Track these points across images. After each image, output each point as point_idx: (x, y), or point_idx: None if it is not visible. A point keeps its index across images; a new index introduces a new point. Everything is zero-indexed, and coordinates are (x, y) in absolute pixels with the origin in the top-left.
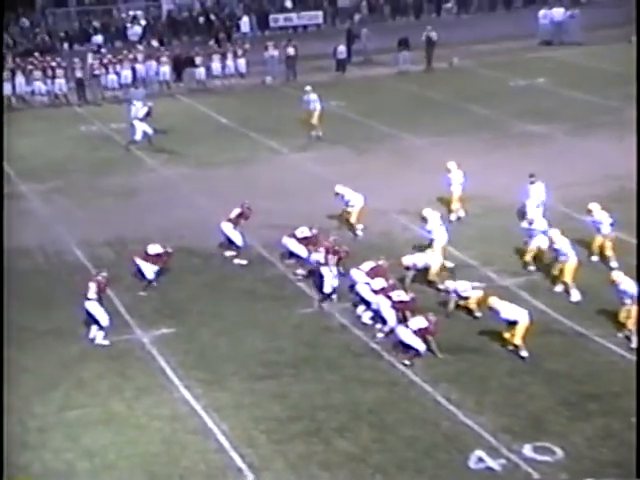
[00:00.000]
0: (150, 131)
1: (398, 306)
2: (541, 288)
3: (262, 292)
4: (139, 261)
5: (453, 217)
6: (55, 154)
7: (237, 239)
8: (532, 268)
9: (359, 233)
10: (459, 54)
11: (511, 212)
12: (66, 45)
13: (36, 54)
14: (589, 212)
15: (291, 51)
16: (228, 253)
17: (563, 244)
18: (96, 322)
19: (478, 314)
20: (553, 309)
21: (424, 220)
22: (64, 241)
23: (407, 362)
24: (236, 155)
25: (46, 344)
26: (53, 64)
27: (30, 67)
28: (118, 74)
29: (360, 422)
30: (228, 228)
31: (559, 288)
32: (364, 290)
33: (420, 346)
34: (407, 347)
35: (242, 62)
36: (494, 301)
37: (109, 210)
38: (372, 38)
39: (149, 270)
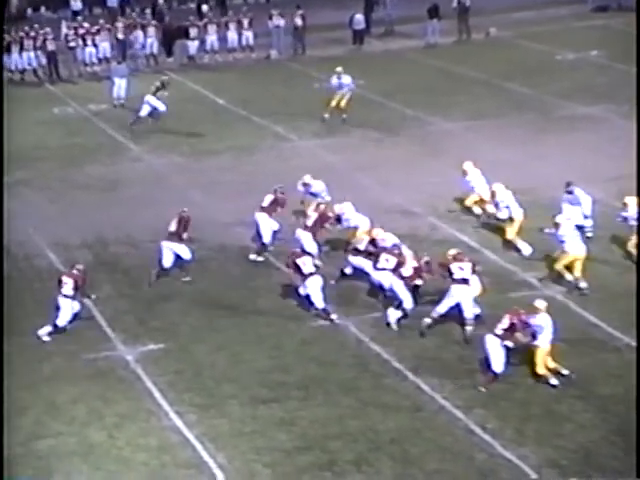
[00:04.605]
0: (162, 108)
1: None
2: (592, 298)
3: (266, 302)
4: (170, 244)
5: (477, 210)
6: (23, 140)
7: (267, 233)
8: (569, 277)
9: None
10: (496, 23)
11: (557, 209)
12: (31, 11)
13: None
14: (624, 205)
15: (298, 21)
16: (252, 257)
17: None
18: (55, 317)
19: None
20: (607, 323)
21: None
22: (34, 243)
23: (482, 389)
24: (236, 142)
25: (13, 363)
26: (21, 34)
27: None
28: (97, 46)
29: (380, 454)
30: (263, 219)
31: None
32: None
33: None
34: (486, 367)
35: (249, 34)
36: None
37: (87, 206)
38: (397, 5)
39: (185, 251)
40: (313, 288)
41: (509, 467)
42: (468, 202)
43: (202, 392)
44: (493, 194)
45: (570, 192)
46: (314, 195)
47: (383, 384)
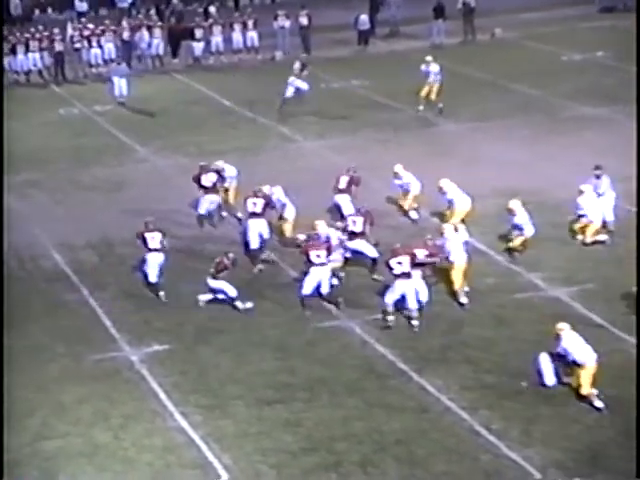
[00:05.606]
0: (305, 87)
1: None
2: (598, 299)
3: (271, 303)
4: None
5: (414, 215)
6: (29, 141)
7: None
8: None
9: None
10: (502, 24)
11: (563, 210)
12: (38, 12)
13: None
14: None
15: (304, 21)
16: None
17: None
18: (222, 293)
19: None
20: (613, 324)
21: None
22: (41, 243)
23: (524, 384)
24: (241, 143)
25: (20, 364)
26: (26, 35)
27: None
28: (102, 47)
29: (385, 455)
30: (344, 200)
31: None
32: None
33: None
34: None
35: (254, 35)
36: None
37: (93, 207)
38: (402, 5)
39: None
40: (152, 262)
41: (514, 468)
42: (405, 204)
43: (207, 393)
44: (440, 189)
45: (597, 177)
46: (224, 179)
47: (388, 385)
